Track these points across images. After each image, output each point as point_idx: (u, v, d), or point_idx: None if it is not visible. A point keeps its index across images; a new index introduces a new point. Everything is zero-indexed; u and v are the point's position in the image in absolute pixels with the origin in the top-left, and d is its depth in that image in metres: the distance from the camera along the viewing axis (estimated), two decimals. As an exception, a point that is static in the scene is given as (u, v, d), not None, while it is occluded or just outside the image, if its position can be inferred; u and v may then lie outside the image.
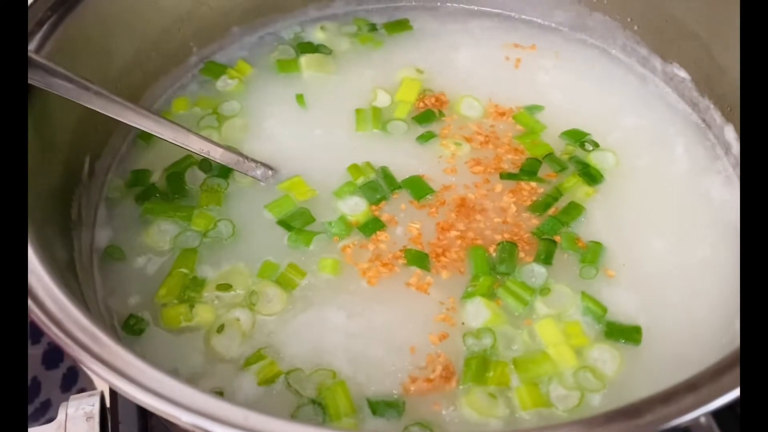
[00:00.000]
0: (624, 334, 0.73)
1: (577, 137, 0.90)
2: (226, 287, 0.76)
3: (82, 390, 1.19)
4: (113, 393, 0.77)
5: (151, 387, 0.49)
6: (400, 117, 0.93)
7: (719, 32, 0.87)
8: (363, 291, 0.76)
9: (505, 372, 0.70)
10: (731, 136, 0.88)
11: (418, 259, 0.78)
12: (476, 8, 1.08)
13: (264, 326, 0.73)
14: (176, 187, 0.84)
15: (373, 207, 0.83)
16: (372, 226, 0.81)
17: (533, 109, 0.94)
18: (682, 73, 0.94)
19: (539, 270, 0.77)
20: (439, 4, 1.09)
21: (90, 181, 0.82)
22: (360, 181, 0.85)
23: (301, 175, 0.86)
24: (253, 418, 0.48)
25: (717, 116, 0.90)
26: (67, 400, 0.72)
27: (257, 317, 0.74)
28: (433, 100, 0.94)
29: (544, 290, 0.76)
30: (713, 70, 0.89)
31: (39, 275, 0.56)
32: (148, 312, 0.75)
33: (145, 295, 0.76)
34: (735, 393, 0.49)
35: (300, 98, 0.94)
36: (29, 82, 0.67)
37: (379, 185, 0.84)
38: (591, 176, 0.86)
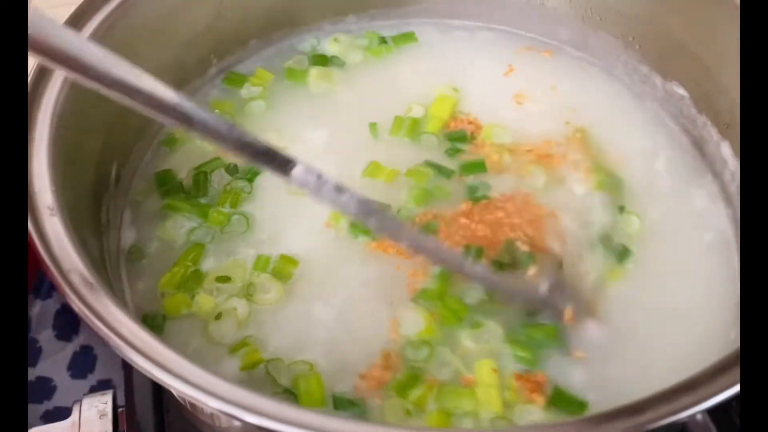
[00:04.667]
0: (570, 405, 0.69)
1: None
2: (225, 279, 0.79)
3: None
4: (128, 389, 0.80)
5: (191, 379, 0.53)
6: (432, 131, 0.94)
7: (718, 52, 0.90)
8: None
9: (427, 397, 0.69)
10: (727, 152, 0.92)
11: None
12: (482, 24, 1.11)
13: (258, 315, 0.77)
14: (200, 186, 0.87)
15: None
16: None
17: None
18: (681, 91, 0.98)
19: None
20: (446, 20, 1.11)
21: (117, 186, 0.85)
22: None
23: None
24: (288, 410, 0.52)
25: (713, 132, 0.94)
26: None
27: (254, 307, 0.77)
28: (466, 122, 0.95)
29: (475, 324, 0.74)
30: (713, 89, 0.93)
31: (83, 274, 0.59)
32: (151, 301, 0.78)
33: (151, 285, 0.80)
34: (730, 392, 0.52)
35: (373, 127, 0.94)
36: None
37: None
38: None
